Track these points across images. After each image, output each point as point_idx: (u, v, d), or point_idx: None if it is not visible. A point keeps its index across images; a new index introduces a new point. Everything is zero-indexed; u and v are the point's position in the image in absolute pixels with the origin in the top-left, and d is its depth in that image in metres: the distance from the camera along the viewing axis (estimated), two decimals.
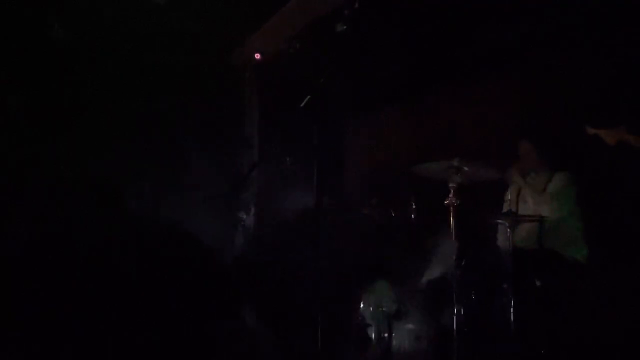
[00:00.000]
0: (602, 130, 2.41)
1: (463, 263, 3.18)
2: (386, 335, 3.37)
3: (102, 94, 4.67)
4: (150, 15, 4.60)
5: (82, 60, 4.59)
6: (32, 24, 4.16)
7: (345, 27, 2.83)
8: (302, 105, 2.09)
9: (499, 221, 3.16)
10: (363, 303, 3.51)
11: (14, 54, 3.97)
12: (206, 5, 4.74)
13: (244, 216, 5.44)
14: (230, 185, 5.20)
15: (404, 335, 3.36)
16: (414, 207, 3.91)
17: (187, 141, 5.47)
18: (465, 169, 3.13)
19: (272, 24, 4.98)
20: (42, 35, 4.31)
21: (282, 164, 5.10)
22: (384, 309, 3.44)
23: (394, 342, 3.36)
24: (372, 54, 4.51)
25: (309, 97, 2.06)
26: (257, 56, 5.60)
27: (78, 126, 4.40)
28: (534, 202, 3.54)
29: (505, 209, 3.66)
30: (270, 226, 5.23)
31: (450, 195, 3.13)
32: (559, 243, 3.40)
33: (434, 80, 4.44)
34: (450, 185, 3.15)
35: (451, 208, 3.13)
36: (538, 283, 3.05)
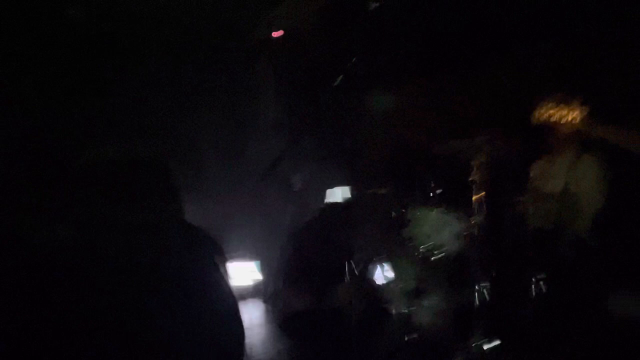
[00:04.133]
0: (554, 118, 2.15)
1: (481, 240, 3.18)
2: (406, 311, 3.40)
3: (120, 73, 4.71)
4: None
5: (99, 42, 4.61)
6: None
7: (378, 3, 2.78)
8: (335, 84, 2.06)
9: (520, 199, 3.14)
10: (384, 280, 3.54)
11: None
12: None
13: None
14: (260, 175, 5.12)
15: (423, 312, 3.38)
16: (432, 185, 3.90)
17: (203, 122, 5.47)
18: (488, 146, 3.11)
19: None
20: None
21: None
22: (404, 285, 3.47)
23: (414, 319, 3.38)
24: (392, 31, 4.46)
25: (341, 76, 2.03)
26: (276, 34, 5.52)
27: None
28: (555, 183, 3.50)
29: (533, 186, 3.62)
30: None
31: (474, 172, 3.12)
32: (579, 223, 3.37)
33: (457, 57, 4.37)
34: (474, 162, 3.13)
35: (474, 185, 3.11)
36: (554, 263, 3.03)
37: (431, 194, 3.59)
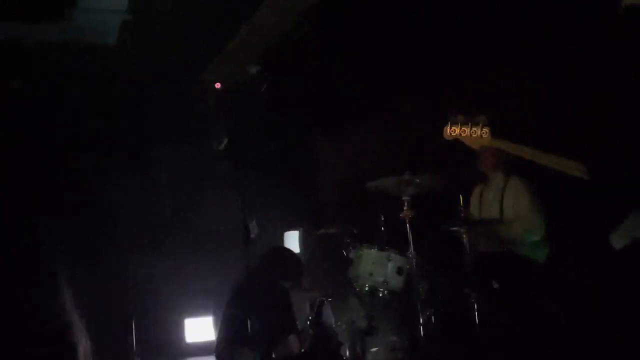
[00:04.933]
0: (464, 134, 2.23)
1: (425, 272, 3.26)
2: (360, 351, 3.42)
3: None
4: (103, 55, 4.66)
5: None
6: None
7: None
8: (220, 148, 2.13)
9: (455, 228, 3.25)
10: (336, 321, 3.56)
11: None
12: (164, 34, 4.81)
13: None
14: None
15: (377, 349, 3.42)
16: (382, 220, 3.99)
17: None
18: (417, 181, 3.22)
19: (227, 52, 5.06)
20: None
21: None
22: (356, 325, 3.49)
23: (369, 358, 3.41)
24: (329, 72, 4.62)
25: (226, 139, 2.10)
26: (217, 85, 5.65)
27: None
28: (491, 206, 3.64)
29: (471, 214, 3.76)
30: None
31: (405, 208, 3.21)
32: (519, 243, 3.49)
33: (392, 94, 4.55)
34: (404, 198, 3.23)
35: (407, 220, 3.21)
36: (496, 285, 3.13)
37: (371, 232, 3.67)
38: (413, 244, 3.21)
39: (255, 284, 3.10)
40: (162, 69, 5.16)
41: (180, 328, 5.49)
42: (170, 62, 5.09)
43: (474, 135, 2.21)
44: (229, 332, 3.14)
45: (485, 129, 2.20)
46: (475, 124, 2.21)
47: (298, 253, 4.57)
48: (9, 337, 1.38)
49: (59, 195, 4.83)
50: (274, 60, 4.79)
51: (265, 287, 3.19)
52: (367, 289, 3.42)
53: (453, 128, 2.23)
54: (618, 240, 2.12)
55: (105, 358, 3.12)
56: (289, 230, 5.40)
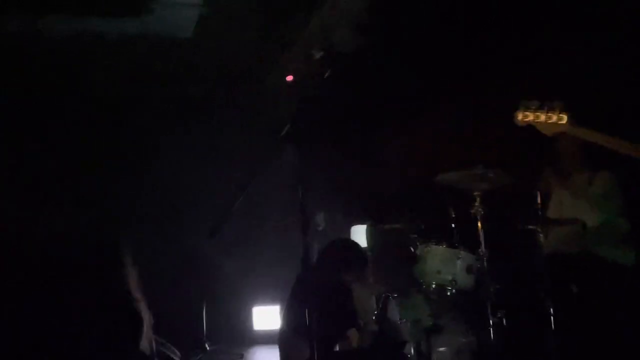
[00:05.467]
0: (538, 119, 2.02)
1: (496, 272, 3.10)
2: (425, 350, 3.31)
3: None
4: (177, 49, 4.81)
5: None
6: None
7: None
8: (282, 134, 2.11)
9: (530, 227, 3.05)
10: (401, 318, 3.47)
11: None
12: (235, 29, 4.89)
13: None
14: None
15: (443, 349, 3.29)
16: (452, 215, 3.84)
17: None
18: (490, 175, 3.05)
19: (298, 44, 5.06)
20: None
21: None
22: (421, 323, 3.39)
23: (434, 357, 3.29)
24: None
25: (288, 126, 2.07)
26: (289, 78, 5.67)
27: None
28: (573, 204, 3.40)
29: (552, 212, 3.54)
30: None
31: (476, 204, 3.06)
32: (604, 246, 3.24)
33: (465, 83, 4.38)
34: (476, 193, 3.08)
35: (478, 216, 3.06)
36: (575, 289, 2.91)
37: (439, 228, 3.54)
38: (484, 242, 3.04)
39: (317, 275, 3.08)
40: (235, 63, 5.27)
41: (248, 316, 5.62)
42: (243, 56, 5.19)
43: (549, 122, 2.03)
44: (289, 322, 3.15)
45: (563, 115, 2.02)
46: (552, 109, 2.03)
47: (364, 247, 4.51)
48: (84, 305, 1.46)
49: (137, 178, 5.04)
50: (339, 48, 4.76)
51: (326, 279, 3.16)
52: (434, 286, 3.30)
53: (526, 113, 2.07)
54: None
55: (177, 341, 3.24)
56: (356, 224, 5.35)
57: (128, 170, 5.07)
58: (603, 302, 2.89)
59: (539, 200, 3.11)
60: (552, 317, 2.90)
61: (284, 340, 3.15)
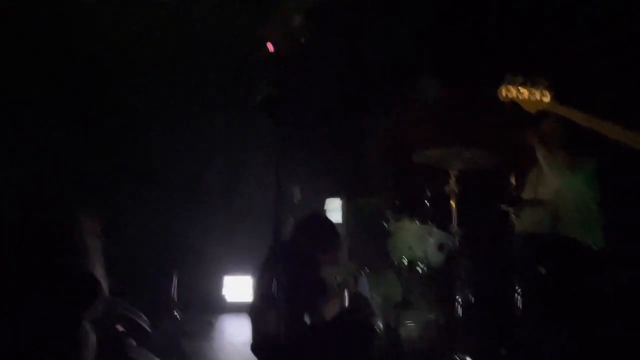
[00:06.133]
0: (522, 96, 2.02)
1: (467, 251, 3.13)
2: (394, 324, 3.35)
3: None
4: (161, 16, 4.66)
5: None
6: None
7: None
8: (257, 102, 2.04)
9: (503, 207, 3.07)
10: (371, 293, 3.49)
11: None
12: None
13: None
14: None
15: (409, 324, 3.34)
16: (428, 194, 3.86)
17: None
18: (467, 154, 3.05)
19: (278, 14, 4.94)
20: None
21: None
22: (391, 298, 3.42)
23: (402, 332, 3.33)
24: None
25: (264, 94, 2.01)
26: (270, 46, 5.54)
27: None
28: (549, 187, 3.42)
29: (526, 194, 3.57)
30: None
31: (451, 182, 3.06)
32: (576, 229, 3.28)
33: (445, 61, 4.34)
34: (452, 171, 3.08)
35: (452, 195, 3.06)
36: (543, 271, 2.95)
37: (414, 204, 3.54)
38: (457, 220, 3.06)
39: (290, 249, 3.06)
40: (215, 33, 5.13)
41: (219, 285, 5.60)
42: (223, 26, 5.05)
43: (532, 98, 2.01)
44: (259, 294, 3.13)
45: (546, 92, 2.00)
46: (535, 86, 2.01)
47: (338, 223, 4.51)
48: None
49: (106, 143, 4.91)
50: (318, 15, 4.66)
51: (299, 254, 3.14)
52: (405, 262, 3.32)
53: (510, 88, 2.04)
54: None
55: (146, 309, 3.20)
56: (331, 197, 5.34)
57: (97, 134, 4.92)
58: (571, 282, 2.95)
59: (513, 182, 3.13)
60: (519, 297, 2.94)
61: (255, 311, 3.14)
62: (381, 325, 3.38)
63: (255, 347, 3.10)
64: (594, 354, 2.75)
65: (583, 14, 3.52)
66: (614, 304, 2.97)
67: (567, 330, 2.83)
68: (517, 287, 2.92)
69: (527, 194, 3.57)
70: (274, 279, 2.78)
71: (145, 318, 3.15)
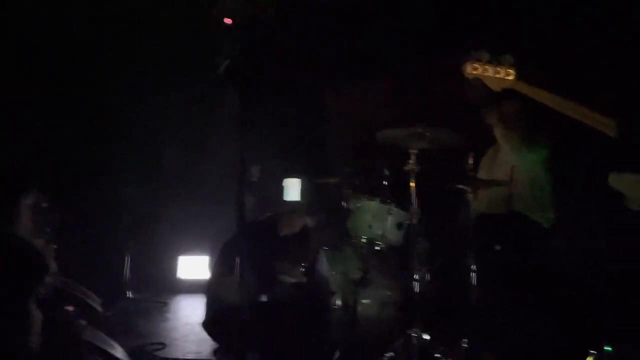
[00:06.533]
0: (486, 72, 2.01)
1: (425, 230, 3.17)
2: (352, 302, 3.37)
3: None
4: None
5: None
6: None
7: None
8: (221, 70, 1.97)
9: (461, 186, 3.12)
10: (330, 271, 3.50)
11: None
12: None
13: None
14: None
15: (367, 302, 3.37)
16: (387, 174, 3.88)
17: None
18: (428, 134, 3.07)
19: None
20: None
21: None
22: (350, 276, 3.44)
23: (360, 309, 3.36)
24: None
25: (228, 61, 1.94)
26: (227, 21, 5.39)
27: None
28: (505, 166, 3.50)
29: (481, 174, 3.64)
30: None
31: (411, 162, 3.08)
32: (529, 206, 3.39)
33: (407, 48, 4.35)
34: (411, 151, 3.09)
35: (412, 174, 3.08)
36: (498, 247, 3.04)
37: (373, 184, 3.56)
38: (416, 200, 3.08)
39: (253, 230, 3.00)
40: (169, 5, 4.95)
41: (174, 264, 5.50)
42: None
43: (497, 75, 2.03)
44: (219, 271, 3.09)
45: (511, 70, 2.03)
46: (500, 64, 2.03)
47: (297, 201, 4.49)
48: None
49: (59, 121, 4.71)
50: None
51: (261, 235, 3.11)
52: (364, 240, 3.34)
53: (475, 65, 2.05)
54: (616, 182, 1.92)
55: (98, 288, 3.09)
56: (290, 177, 5.31)
57: (50, 109, 4.69)
58: (524, 259, 3.05)
59: (471, 161, 3.18)
60: (474, 274, 3.01)
61: (212, 287, 3.10)
62: (339, 303, 3.40)
63: (208, 323, 3.07)
64: (544, 327, 2.87)
65: None
66: (561, 277, 3.10)
67: (519, 305, 2.93)
68: (473, 265, 2.98)
69: (483, 174, 3.65)
70: (236, 257, 2.74)
71: (97, 298, 3.05)
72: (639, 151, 1.84)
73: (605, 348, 2.75)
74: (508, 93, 2.14)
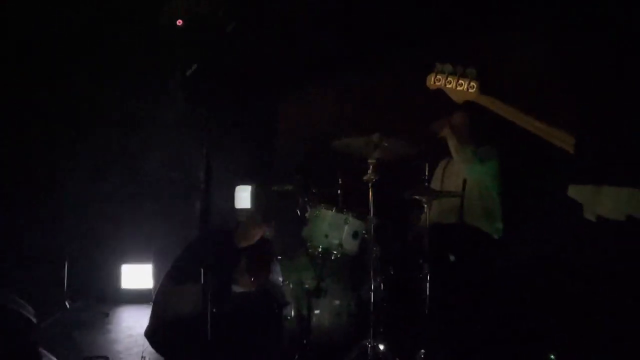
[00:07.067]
0: (449, 85, 2.05)
1: (380, 240, 3.17)
2: (306, 312, 3.32)
3: None
4: None
5: None
6: None
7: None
8: (187, 74, 1.90)
9: (416, 197, 3.15)
10: (284, 280, 3.43)
11: None
12: None
13: None
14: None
15: (322, 311, 3.33)
16: (340, 182, 3.87)
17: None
18: (385, 144, 3.08)
19: None
20: None
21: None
22: (304, 285, 3.39)
23: (314, 319, 3.32)
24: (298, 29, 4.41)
25: (195, 65, 1.88)
26: (179, 22, 5.26)
27: None
28: (456, 177, 3.57)
29: (433, 184, 3.70)
30: None
31: (369, 171, 3.08)
32: (478, 218, 3.46)
33: (362, 58, 4.38)
34: (370, 161, 3.09)
35: (370, 184, 3.08)
36: (452, 258, 3.08)
37: (330, 193, 3.54)
38: (373, 209, 3.08)
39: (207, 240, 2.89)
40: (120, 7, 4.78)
41: (116, 274, 5.27)
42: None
43: (459, 88, 2.06)
44: (172, 278, 2.96)
45: (474, 83, 2.05)
46: (463, 76, 2.06)
47: (248, 209, 4.41)
48: None
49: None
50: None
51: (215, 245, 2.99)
52: (320, 250, 3.30)
53: (438, 77, 2.07)
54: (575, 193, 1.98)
55: (34, 298, 2.88)
56: (242, 184, 5.21)
57: None
58: (475, 268, 3.10)
59: (426, 171, 3.22)
60: (427, 283, 3.03)
61: (160, 296, 2.96)
62: (293, 312, 3.34)
63: (152, 333, 2.93)
64: (499, 334, 2.93)
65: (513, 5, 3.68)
66: (511, 287, 3.17)
67: (474, 314, 2.98)
68: (427, 275, 3.00)
69: (436, 184, 3.71)
70: (188, 266, 2.63)
71: (31, 309, 2.85)
72: (595, 164, 1.91)
73: (551, 356, 2.85)
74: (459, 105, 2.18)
